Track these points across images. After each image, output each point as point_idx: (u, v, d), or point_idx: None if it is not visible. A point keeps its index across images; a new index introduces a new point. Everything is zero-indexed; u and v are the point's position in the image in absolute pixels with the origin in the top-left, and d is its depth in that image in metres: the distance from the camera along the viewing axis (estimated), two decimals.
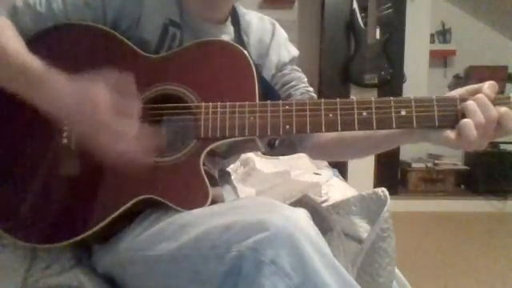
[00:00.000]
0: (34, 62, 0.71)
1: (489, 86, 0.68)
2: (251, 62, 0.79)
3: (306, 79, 0.99)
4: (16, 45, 0.74)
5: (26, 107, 0.71)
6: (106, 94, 0.66)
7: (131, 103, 0.68)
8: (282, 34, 1.00)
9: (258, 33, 0.96)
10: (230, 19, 0.93)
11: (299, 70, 1.00)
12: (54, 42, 0.82)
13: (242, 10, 0.97)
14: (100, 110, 0.65)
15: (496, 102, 0.67)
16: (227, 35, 0.91)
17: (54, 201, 0.78)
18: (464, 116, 0.67)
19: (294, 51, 1.01)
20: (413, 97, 0.71)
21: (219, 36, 0.89)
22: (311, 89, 0.98)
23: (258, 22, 0.98)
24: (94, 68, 0.71)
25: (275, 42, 0.97)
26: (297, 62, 1.01)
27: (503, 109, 0.66)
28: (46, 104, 0.69)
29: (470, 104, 0.66)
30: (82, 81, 0.68)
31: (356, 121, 0.71)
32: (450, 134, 0.68)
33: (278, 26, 1.00)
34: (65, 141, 0.77)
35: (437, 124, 0.69)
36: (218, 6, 0.89)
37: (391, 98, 0.71)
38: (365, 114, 0.71)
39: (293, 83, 0.96)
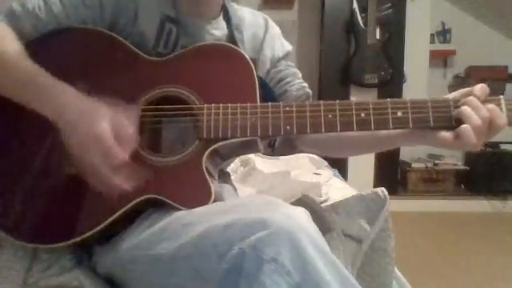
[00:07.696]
0: (36, 69, 0.71)
1: (479, 89, 0.71)
2: (252, 66, 0.81)
3: (300, 75, 1.01)
4: (17, 51, 0.75)
5: (26, 110, 0.71)
6: (109, 114, 0.68)
7: (130, 133, 0.69)
8: (274, 28, 1.02)
9: (251, 28, 0.97)
10: (221, 15, 0.94)
11: (293, 65, 1.01)
12: (55, 46, 0.82)
13: (233, 6, 0.98)
14: (99, 125, 0.66)
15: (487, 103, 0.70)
16: (220, 30, 0.92)
17: (56, 201, 0.78)
18: (460, 121, 0.69)
19: (288, 46, 1.02)
20: (409, 99, 0.74)
21: (211, 31, 0.91)
22: (306, 84, 0.99)
23: (250, 18, 0.99)
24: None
25: (269, 36, 0.99)
26: (291, 57, 1.02)
27: (491, 106, 0.69)
28: (48, 112, 0.70)
29: (465, 109, 0.69)
30: (88, 96, 0.70)
31: (355, 122, 0.74)
32: (448, 135, 0.71)
33: (270, 20, 1.02)
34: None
35: (432, 125, 0.72)
36: (205, 2, 0.91)
37: (388, 99, 0.74)
38: (363, 115, 0.73)
39: (288, 79, 0.98)
